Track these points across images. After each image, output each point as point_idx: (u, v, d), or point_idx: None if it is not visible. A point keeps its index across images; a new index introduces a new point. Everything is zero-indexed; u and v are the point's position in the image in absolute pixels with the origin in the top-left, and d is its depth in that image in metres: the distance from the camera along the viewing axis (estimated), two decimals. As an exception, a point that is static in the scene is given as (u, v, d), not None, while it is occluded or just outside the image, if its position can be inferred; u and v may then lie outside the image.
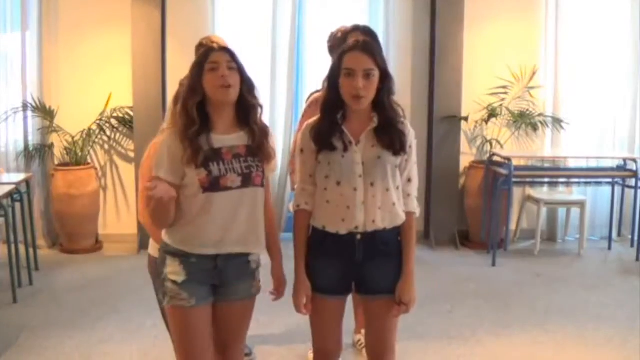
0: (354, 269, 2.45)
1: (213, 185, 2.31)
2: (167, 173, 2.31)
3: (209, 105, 2.36)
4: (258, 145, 2.41)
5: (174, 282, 2.36)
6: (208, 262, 2.38)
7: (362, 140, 2.39)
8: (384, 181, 2.40)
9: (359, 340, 3.71)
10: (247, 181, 2.36)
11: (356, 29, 3.46)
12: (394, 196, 2.42)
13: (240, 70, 2.38)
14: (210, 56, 2.36)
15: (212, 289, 2.42)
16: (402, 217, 2.45)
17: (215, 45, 3.38)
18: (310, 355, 3.66)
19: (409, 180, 2.47)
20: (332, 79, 2.40)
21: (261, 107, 2.45)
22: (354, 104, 2.36)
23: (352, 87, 2.33)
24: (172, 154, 2.32)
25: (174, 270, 2.37)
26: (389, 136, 2.39)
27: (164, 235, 2.42)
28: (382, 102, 2.40)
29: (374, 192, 2.38)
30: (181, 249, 2.37)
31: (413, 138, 2.47)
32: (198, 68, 2.36)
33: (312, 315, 2.52)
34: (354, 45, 2.39)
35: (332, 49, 3.60)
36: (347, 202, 2.39)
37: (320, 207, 2.44)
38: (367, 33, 3.37)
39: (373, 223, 2.39)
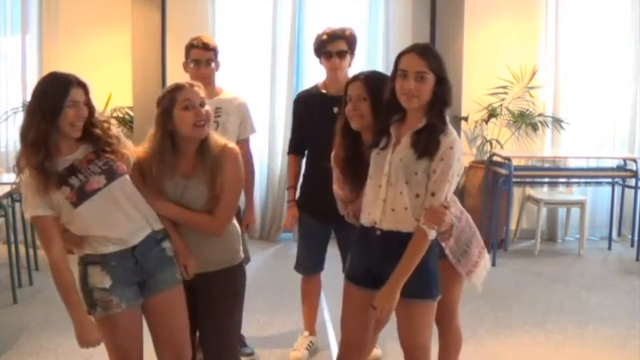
0: (375, 265, 2.49)
1: (81, 196, 2.34)
2: (45, 209, 2.34)
3: (58, 134, 2.35)
4: (103, 146, 2.43)
5: (101, 289, 2.39)
6: (127, 259, 2.42)
7: (402, 141, 2.43)
8: (401, 184, 2.41)
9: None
10: (111, 175, 2.40)
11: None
12: (407, 201, 2.41)
13: (89, 105, 2.41)
14: (70, 94, 2.33)
15: (139, 288, 2.46)
16: (413, 225, 2.40)
17: (199, 43, 3.41)
18: (293, 353, 3.69)
19: (433, 194, 2.38)
20: (392, 81, 2.45)
21: (106, 122, 2.50)
22: (405, 101, 2.40)
23: (404, 87, 2.38)
24: (34, 190, 2.33)
25: (99, 279, 2.40)
26: (422, 140, 2.38)
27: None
28: (432, 107, 2.41)
29: (391, 193, 2.42)
30: (99, 253, 2.39)
31: (446, 150, 2.37)
32: (58, 100, 2.32)
33: (342, 303, 2.61)
34: (411, 48, 2.46)
35: (314, 51, 3.60)
36: (372, 197, 2.48)
37: (364, 197, 2.55)
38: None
39: (387, 223, 2.44)
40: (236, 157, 2.58)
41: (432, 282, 2.49)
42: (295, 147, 3.69)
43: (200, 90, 2.56)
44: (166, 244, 2.52)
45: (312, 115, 3.58)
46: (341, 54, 3.49)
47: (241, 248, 2.72)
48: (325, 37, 3.51)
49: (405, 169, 2.40)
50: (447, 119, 2.46)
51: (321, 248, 3.67)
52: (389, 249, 2.44)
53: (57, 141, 2.36)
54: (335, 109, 3.37)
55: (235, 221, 2.69)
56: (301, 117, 3.68)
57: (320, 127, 3.52)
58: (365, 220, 2.51)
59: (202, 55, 3.44)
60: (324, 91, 3.58)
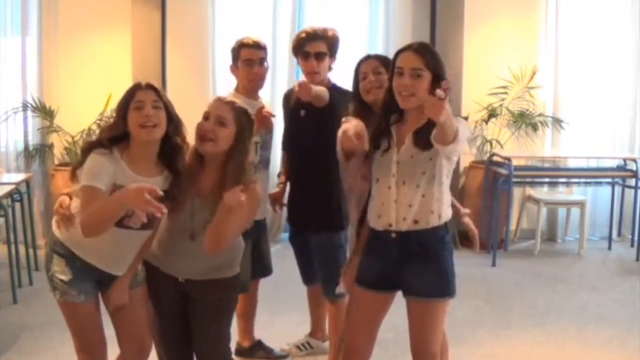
0: (392, 268, 2.47)
1: (116, 222, 2.36)
2: (103, 184, 2.35)
3: (132, 141, 2.40)
4: (173, 189, 2.44)
5: (61, 280, 2.47)
6: (91, 267, 2.49)
7: (406, 141, 2.43)
8: (414, 179, 2.41)
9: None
10: (149, 225, 2.43)
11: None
12: (424, 190, 2.41)
13: (167, 107, 2.40)
14: (136, 95, 2.37)
15: (97, 283, 2.55)
16: (431, 221, 2.42)
17: (250, 42, 3.24)
18: (285, 346, 3.69)
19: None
20: (389, 81, 2.45)
21: (187, 145, 2.49)
22: (402, 101, 2.39)
23: (400, 85, 2.37)
24: (109, 173, 2.35)
25: (60, 270, 2.47)
26: (424, 135, 2.37)
27: (58, 232, 2.50)
28: None
29: (405, 191, 2.42)
30: (71, 250, 2.46)
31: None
32: (125, 103, 2.38)
33: (348, 306, 2.59)
34: (407, 46, 2.45)
35: (292, 49, 3.35)
36: (382, 199, 2.45)
37: (370, 202, 2.53)
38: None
39: (404, 221, 2.42)
40: (254, 198, 2.47)
41: (450, 279, 2.49)
42: (284, 144, 3.57)
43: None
44: None
45: (285, 117, 3.45)
46: (319, 56, 3.18)
47: (238, 263, 2.63)
48: (304, 35, 3.22)
49: (415, 164, 2.40)
50: None
51: (303, 258, 3.48)
52: (408, 249, 2.43)
53: (134, 147, 2.39)
54: (303, 112, 3.22)
55: (240, 237, 2.62)
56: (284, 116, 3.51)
57: (288, 130, 3.40)
58: (378, 224, 2.48)
59: (254, 54, 3.23)
60: None
